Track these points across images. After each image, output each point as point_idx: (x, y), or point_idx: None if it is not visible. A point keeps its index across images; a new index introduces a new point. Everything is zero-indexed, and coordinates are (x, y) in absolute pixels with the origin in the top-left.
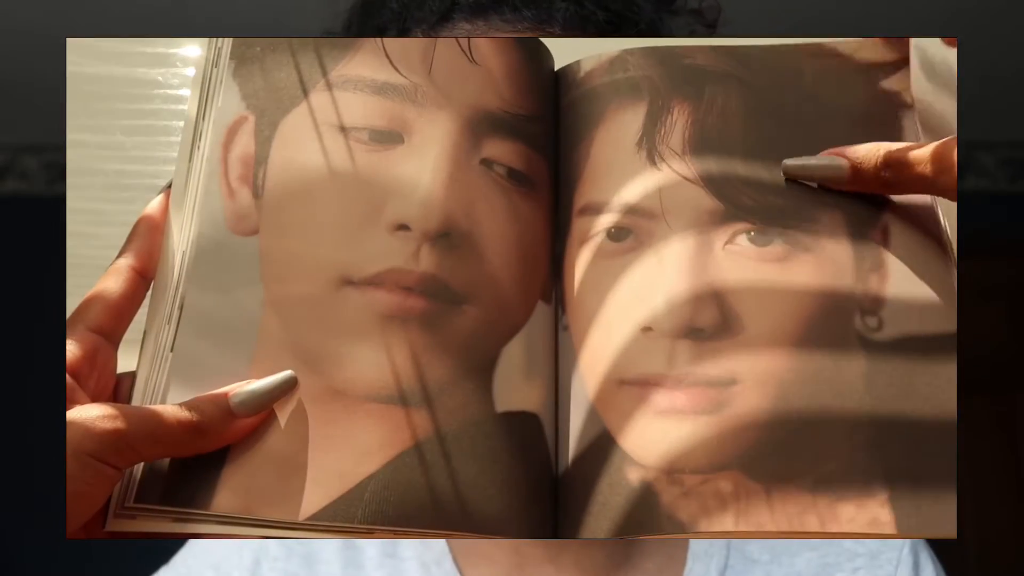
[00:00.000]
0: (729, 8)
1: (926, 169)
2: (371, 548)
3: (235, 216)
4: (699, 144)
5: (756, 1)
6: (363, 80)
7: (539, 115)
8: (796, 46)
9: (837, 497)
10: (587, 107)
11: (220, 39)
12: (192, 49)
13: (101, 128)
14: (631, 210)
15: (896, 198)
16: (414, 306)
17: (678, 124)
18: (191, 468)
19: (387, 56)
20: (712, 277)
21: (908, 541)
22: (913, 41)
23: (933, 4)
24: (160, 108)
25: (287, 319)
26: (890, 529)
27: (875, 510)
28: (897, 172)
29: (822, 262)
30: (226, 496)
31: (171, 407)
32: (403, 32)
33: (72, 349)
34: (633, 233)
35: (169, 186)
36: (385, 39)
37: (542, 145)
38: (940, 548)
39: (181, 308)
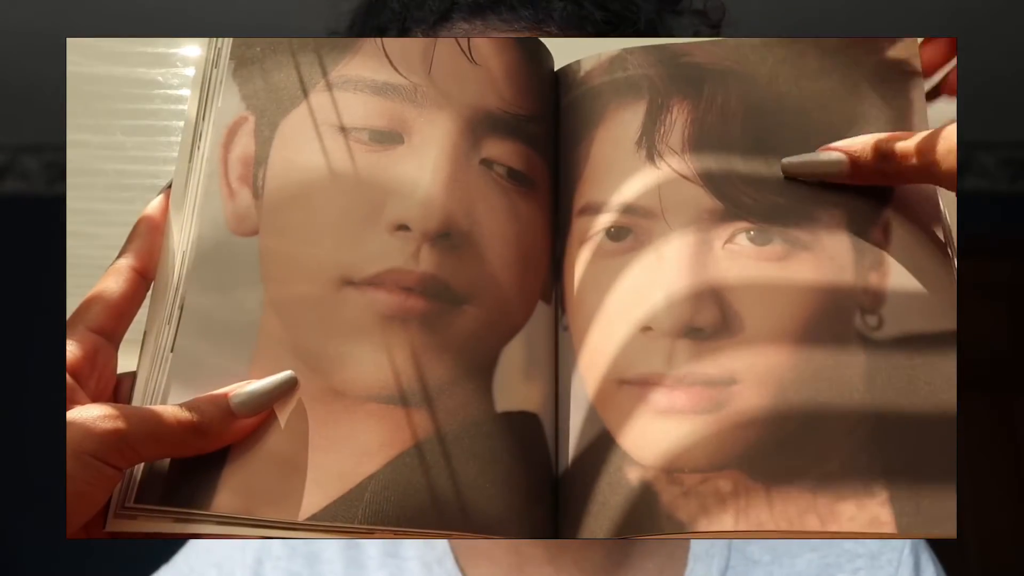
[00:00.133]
0: (730, 8)
1: (913, 159)
2: (373, 548)
3: (235, 216)
4: (698, 142)
5: (757, 1)
6: (363, 80)
7: (539, 115)
8: (795, 41)
9: (837, 496)
10: (587, 107)
11: (220, 39)
12: (192, 49)
13: (101, 128)
14: (630, 209)
15: (898, 194)
16: (414, 306)
17: (677, 123)
18: (191, 468)
19: (387, 56)
20: (712, 276)
21: (909, 542)
22: None
23: (933, 4)
24: (160, 108)
25: (287, 319)
26: (890, 529)
27: (875, 509)
28: (888, 163)
29: (822, 261)
30: (226, 496)
31: (171, 407)
32: (403, 32)
33: (72, 349)
34: (633, 232)
35: (169, 186)
36: (385, 39)
37: (542, 145)
38: (940, 548)
39: (181, 308)
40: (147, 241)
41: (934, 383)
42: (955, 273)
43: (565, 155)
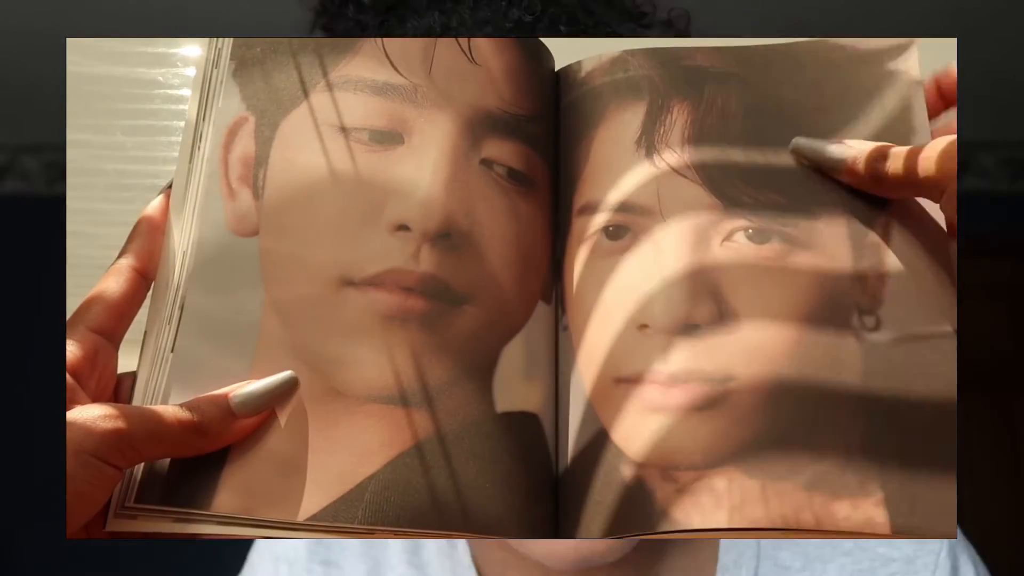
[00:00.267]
0: (730, 8)
1: (900, 173)
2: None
3: (235, 217)
4: (698, 142)
5: (756, 1)
6: (363, 80)
7: (539, 115)
8: (797, 43)
9: (832, 495)
10: (587, 107)
11: (220, 40)
12: (192, 49)
13: (101, 128)
14: (628, 208)
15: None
16: (414, 306)
17: (678, 122)
18: (191, 468)
19: (387, 56)
20: (709, 274)
21: (945, 544)
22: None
23: (933, 4)
24: (160, 108)
25: (287, 319)
26: (884, 529)
27: (870, 510)
28: (877, 174)
29: (820, 259)
30: (226, 496)
31: (172, 407)
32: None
33: (73, 349)
34: (630, 231)
35: (169, 187)
36: (385, 39)
37: (542, 145)
38: None
39: (182, 309)
40: (147, 241)
41: (932, 383)
42: (955, 274)
43: (565, 155)
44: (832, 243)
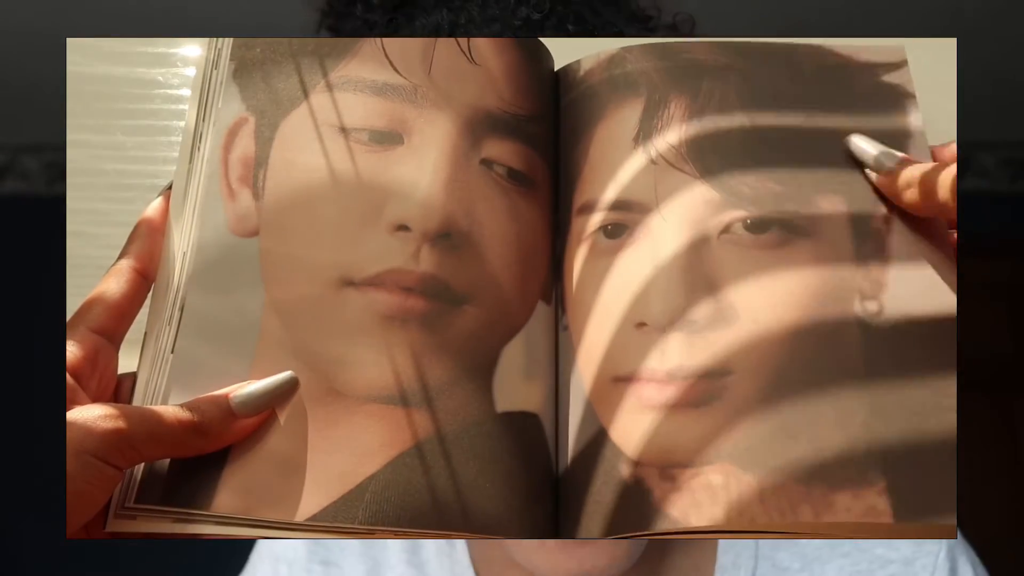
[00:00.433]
0: (730, 9)
1: (915, 193)
2: (393, 555)
3: (235, 217)
4: (696, 135)
5: (758, 3)
6: (363, 81)
7: (539, 115)
8: (795, 44)
9: (832, 487)
10: (586, 106)
11: (220, 40)
12: (192, 49)
13: (101, 128)
14: (626, 205)
15: None
16: (414, 306)
17: (675, 117)
18: (191, 468)
19: (387, 57)
20: (708, 268)
21: (944, 545)
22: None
23: (933, 4)
24: (160, 108)
25: (288, 320)
26: (887, 518)
27: (872, 499)
28: (895, 189)
29: (821, 247)
30: (226, 496)
31: (172, 407)
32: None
33: (73, 350)
34: (628, 228)
35: (169, 187)
36: (385, 39)
37: (542, 145)
38: None
39: (182, 309)
40: (147, 242)
41: (933, 371)
42: (956, 258)
43: (565, 154)
44: (833, 230)
